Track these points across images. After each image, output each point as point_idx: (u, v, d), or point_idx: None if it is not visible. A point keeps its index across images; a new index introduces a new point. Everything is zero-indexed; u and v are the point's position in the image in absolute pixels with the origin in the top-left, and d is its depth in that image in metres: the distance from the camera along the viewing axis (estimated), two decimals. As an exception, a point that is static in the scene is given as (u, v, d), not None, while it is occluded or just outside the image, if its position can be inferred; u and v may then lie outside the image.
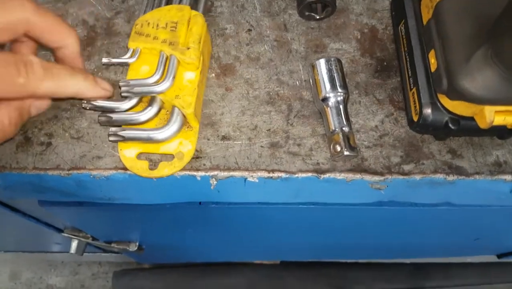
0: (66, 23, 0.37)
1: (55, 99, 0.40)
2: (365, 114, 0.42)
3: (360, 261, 1.15)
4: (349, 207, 0.50)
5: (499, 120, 0.36)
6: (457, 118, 0.38)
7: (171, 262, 1.11)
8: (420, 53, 0.40)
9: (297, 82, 0.43)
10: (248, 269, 1.17)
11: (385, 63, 0.44)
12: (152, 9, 0.42)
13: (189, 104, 0.37)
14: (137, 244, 0.81)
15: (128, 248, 0.81)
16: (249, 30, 0.44)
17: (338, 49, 0.44)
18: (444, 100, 0.37)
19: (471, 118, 0.37)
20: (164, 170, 0.37)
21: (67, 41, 0.37)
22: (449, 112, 0.38)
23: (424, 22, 0.40)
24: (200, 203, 0.51)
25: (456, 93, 0.35)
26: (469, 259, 1.12)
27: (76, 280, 1.12)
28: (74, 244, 0.75)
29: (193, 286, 1.15)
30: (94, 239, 0.79)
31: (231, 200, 0.42)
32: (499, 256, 1.05)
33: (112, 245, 0.81)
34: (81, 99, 0.38)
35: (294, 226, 0.64)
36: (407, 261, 1.14)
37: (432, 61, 0.38)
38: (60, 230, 0.75)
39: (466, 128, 0.38)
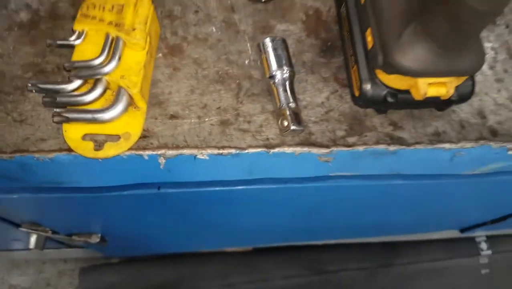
0: None
1: None
2: (312, 91, 0.43)
3: (332, 242, 1.18)
4: (306, 185, 0.52)
5: (432, 91, 0.38)
6: (394, 92, 0.40)
7: (141, 254, 1.10)
8: (359, 32, 0.41)
9: (246, 62, 0.43)
10: (221, 257, 1.17)
11: (329, 43, 0.45)
12: (97, -10, 0.42)
13: (134, 84, 0.37)
14: (99, 235, 0.80)
15: (90, 240, 0.79)
16: (196, 11, 0.45)
17: (285, 30, 0.45)
18: (382, 75, 0.39)
19: (408, 92, 0.40)
20: (110, 150, 0.38)
21: None
22: (387, 86, 0.40)
23: (362, 2, 0.42)
24: (158, 188, 0.51)
25: (391, 68, 0.37)
26: (435, 236, 1.17)
27: (41, 278, 1.09)
28: (33, 239, 0.73)
29: (165, 279, 1.14)
30: (54, 232, 0.78)
31: (183, 179, 0.42)
32: (461, 231, 1.11)
33: (73, 237, 0.80)
34: None
35: (258, 208, 0.65)
36: (377, 240, 1.18)
37: (369, 39, 0.40)
38: (17, 225, 0.73)
39: (404, 101, 0.40)
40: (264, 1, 0.46)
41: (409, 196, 0.63)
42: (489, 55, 0.47)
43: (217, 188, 0.51)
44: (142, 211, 0.65)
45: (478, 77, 0.46)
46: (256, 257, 1.16)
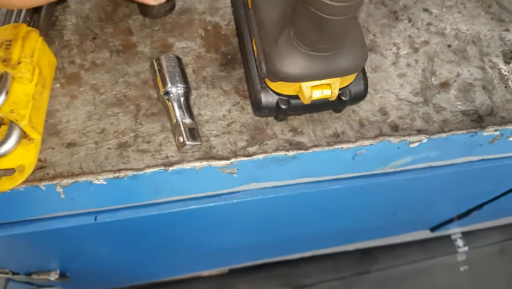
0: None
1: None
2: (213, 105, 0.43)
3: (307, 254, 1.17)
4: (229, 202, 0.51)
5: (317, 94, 0.38)
6: (286, 98, 0.40)
7: (112, 287, 1.08)
8: (250, 43, 0.42)
9: (145, 83, 0.44)
10: (197, 283, 1.16)
11: (229, 57, 0.46)
12: (-6, 29, 0.43)
13: (22, 117, 0.38)
14: (58, 272, 0.79)
15: (49, 278, 0.78)
16: (94, 38, 0.45)
17: (184, 47, 0.46)
18: (271, 83, 0.40)
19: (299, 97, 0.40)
20: (5, 184, 0.37)
21: None
22: (277, 94, 0.40)
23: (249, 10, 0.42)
24: (95, 218, 0.51)
25: (273, 75, 0.38)
26: (410, 238, 1.16)
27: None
28: (-9, 281, 0.72)
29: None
30: (14, 273, 0.77)
31: (88, 207, 0.42)
32: (432, 230, 1.10)
33: (33, 276, 0.79)
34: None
35: (200, 228, 0.65)
36: (352, 248, 1.17)
37: (254, 48, 0.40)
38: (-27, 269, 0.72)
39: (298, 106, 0.40)
40: (164, 13, 0.46)
41: (336, 201, 0.62)
42: (392, 51, 0.48)
43: (155, 213, 0.51)
44: (90, 243, 0.64)
45: (380, 74, 0.46)
46: (232, 278, 1.15)
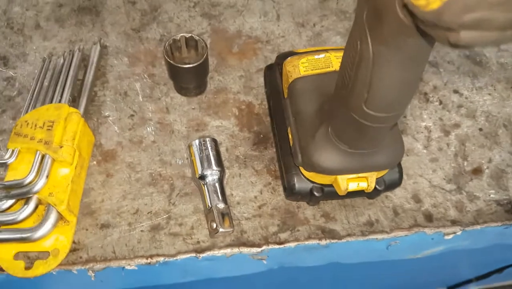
0: None
1: None
2: (245, 186, 0.44)
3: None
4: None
5: (353, 186, 0.38)
6: (320, 186, 0.40)
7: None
8: (284, 129, 0.43)
9: (180, 161, 0.45)
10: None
11: (261, 136, 0.47)
12: (35, 107, 0.44)
13: (61, 202, 0.38)
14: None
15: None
16: (132, 115, 0.47)
17: (218, 126, 0.47)
18: (305, 172, 0.40)
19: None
20: (39, 268, 0.38)
21: None
22: (311, 181, 0.40)
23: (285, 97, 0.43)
24: None
25: (309, 166, 0.38)
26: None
27: None
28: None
29: None
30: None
31: (115, 288, 0.42)
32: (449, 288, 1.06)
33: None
34: None
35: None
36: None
37: (290, 137, 0.41)
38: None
39: (332, 193, 0.40)
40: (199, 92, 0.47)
41: (362, 277, 0.61)
42: (423, 134, 0.48)
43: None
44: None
45: (412, 158, 0.46)
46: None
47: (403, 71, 0.27)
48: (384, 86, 0.28)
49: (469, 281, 0.94)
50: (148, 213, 0.42)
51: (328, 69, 0.40)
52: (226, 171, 0.44)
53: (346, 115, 0.33)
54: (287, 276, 0.58)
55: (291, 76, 0.41)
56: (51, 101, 0.44)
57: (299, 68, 0.41)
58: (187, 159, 0.45)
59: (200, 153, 0.42)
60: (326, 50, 0.42)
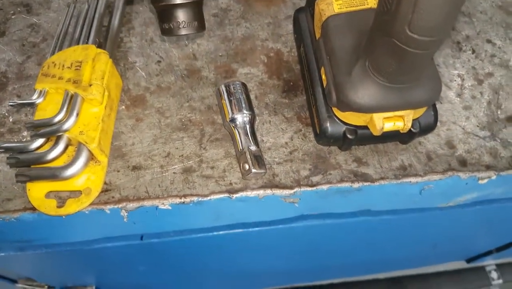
0: None
1: None
2: (275, 132, 0.43)
3: (337, 281, 1.14)
4: (283, 226, 0.50)
5: (389, 126, 0.38)
6: (354, 128, 0.39)
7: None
8: (316, 71, 0.42)
9: (209, 108, 0.44)
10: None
11: (291, 83, 0.46)
12: (61, 49, 0.43)
13: (92, 139, 0.38)
14: (94, 287, 0.79)
15: (84, 292, 0.78)
16: (159, 61, 0.46)
17: (247, 73, 0.46)
18: (339, 113, 0.39)
19: (367, 127, 0.39)
20: (71, 206, 0.37)
21: None
22: (345, 123, 0.39)
23: (316, 40, 0.42)
24: (141, 238, 0.50)
25: (345, 105, 0.37)
26: (443, 268, 1.12)
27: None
28: (30, 295, 0.72)
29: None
30: (50, 287, 0.77)
31: (150, 230, 0.42)
32: (467, 261, 1.06)
33: (68, 290, 0.79)
34: None
35: (245, 253, 0.64)
36: (383, 276, 1.13)
37: (324, 77, 0.40)
38: (14, 281, 0.73)
39: (365, 136, 0.40)
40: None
41: (397, 230, 0.61)
42: (456, 82, 0.47)
43: (199, 235, 0.50)
44: (131, 261, 0.63)
45: (445, 105, 0.45)
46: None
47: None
48: (431, 4, 0.27)
49: (488, 253, 0.93)
50: (180, 156, 0.41)
51: (363, 7, 0.39)
52: (256, 117, 0.43)
53: (387, 44, 0.32)
54: (313, 240, 0.58)
55: (325, 14, 0.40)
56: (77, 44, 0.44)
57: (333, 6, 0.40)
58: (217, 105, 0.44)
59: (230, 96, 0.42)
60: (361, -12, 0.41)
